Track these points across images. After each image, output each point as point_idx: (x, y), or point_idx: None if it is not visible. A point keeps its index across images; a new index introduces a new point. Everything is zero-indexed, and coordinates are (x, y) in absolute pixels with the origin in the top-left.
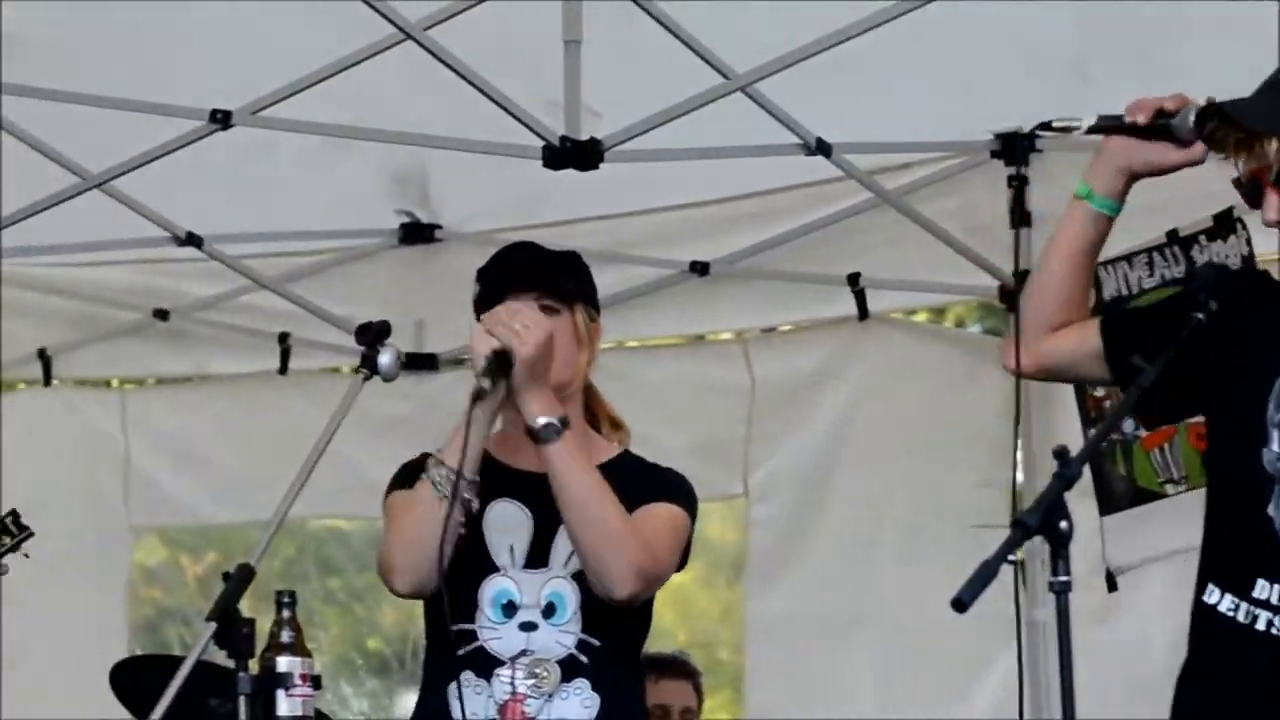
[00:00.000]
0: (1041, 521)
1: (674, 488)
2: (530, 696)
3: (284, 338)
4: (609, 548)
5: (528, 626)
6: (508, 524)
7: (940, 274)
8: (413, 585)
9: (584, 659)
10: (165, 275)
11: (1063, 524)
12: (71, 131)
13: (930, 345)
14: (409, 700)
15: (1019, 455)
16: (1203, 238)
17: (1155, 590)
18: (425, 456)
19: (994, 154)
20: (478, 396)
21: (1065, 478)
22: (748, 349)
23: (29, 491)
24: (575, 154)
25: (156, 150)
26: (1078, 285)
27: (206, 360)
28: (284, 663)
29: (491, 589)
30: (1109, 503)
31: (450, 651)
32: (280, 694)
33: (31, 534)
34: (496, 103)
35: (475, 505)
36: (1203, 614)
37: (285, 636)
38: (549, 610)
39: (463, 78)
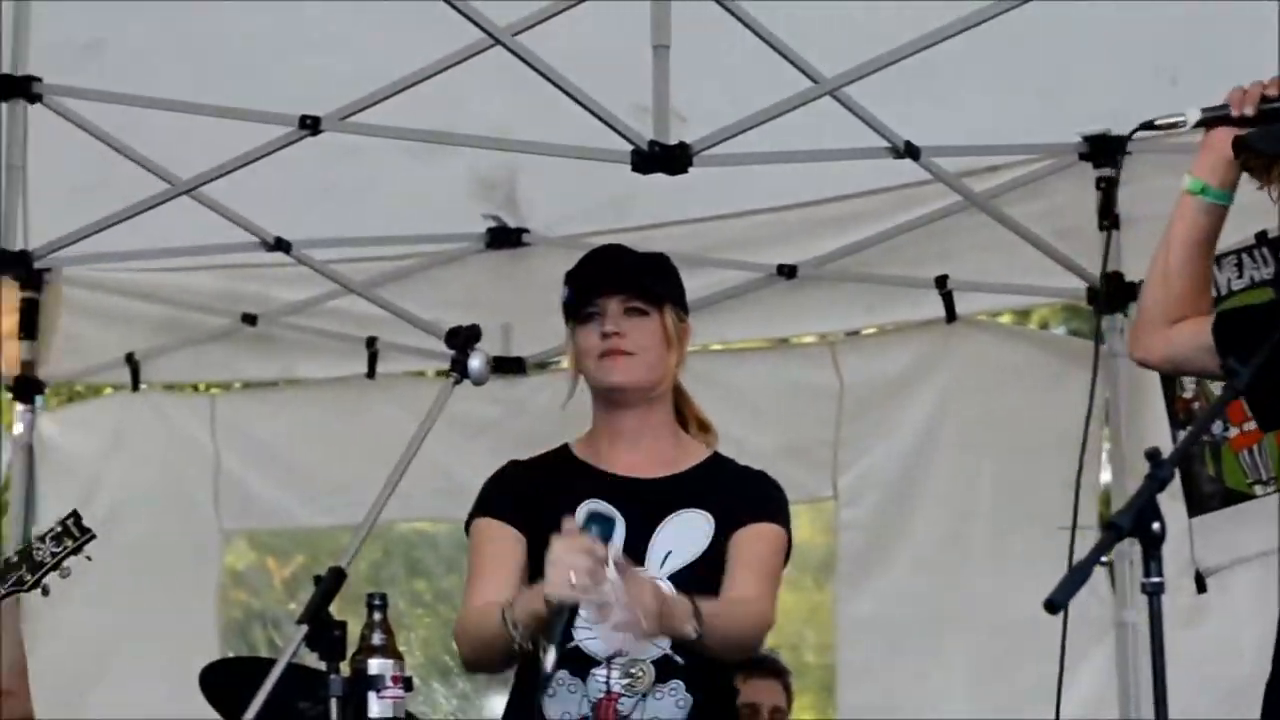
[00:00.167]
0: (1134, 523)
1: (773, 504)
2: (624, 696)
3: (371, 342)
4: (752, 641)
5: None
6: None
7: (1028, 276)
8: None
9: (679, 659)
10: (253, 280)
11: (1155, 526)
12: (161, 138)
13: (1017, 347)
14: (499, 701)
15: (1104, 456)
16: None
17: (1244, 591)
18: (508, 477)
19: (1082, 156)
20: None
21: (1158, 479)
22: (835, 352)
23: (118, 495)
24: (664, 158)
25: (245, 156)
26: (1196, 278)
27: (294, 365)
28: (375, 665)
29: None
30: (1198, 504)
31: None
32: (372, 696)
33: (93, 536)
34: (586, 108)
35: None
36: None
37: (377, 639)
38: None
39: (551, 82)
